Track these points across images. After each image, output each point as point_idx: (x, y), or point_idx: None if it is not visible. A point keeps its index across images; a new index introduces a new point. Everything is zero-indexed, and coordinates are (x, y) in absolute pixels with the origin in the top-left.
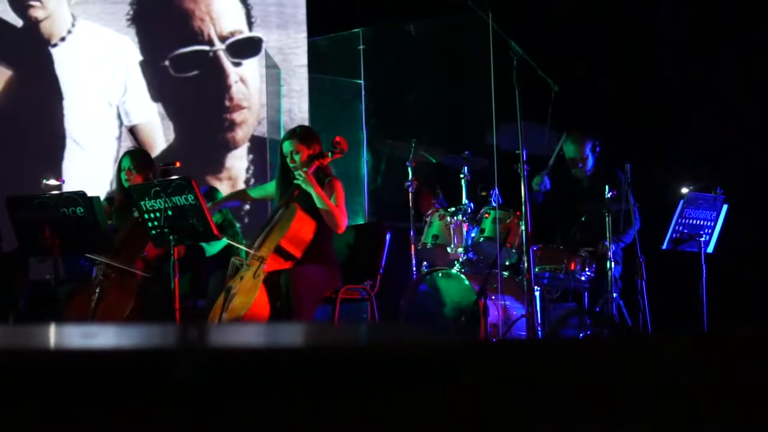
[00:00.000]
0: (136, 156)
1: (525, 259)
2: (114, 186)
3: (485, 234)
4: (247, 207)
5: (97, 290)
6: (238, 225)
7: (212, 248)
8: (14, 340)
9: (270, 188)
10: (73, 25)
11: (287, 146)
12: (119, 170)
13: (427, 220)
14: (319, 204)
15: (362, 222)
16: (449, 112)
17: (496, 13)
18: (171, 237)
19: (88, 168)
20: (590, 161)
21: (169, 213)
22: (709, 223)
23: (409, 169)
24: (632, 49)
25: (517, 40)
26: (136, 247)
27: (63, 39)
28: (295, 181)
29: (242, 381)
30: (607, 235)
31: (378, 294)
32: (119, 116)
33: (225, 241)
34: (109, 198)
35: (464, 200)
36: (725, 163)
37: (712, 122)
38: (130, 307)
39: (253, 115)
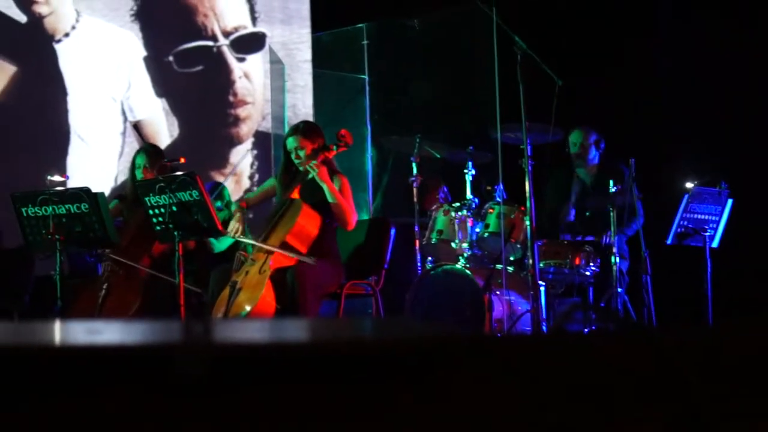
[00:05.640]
0: (150, 153)
1: (529, 254)
2: (119, 182)
3: (490, 229)
4: None
5: (104, 287)
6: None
7: (221, 245)
8: (19, 336)
9: (268, 186)
10: (77, 21)
11: (291, 142)
12: (133, 167)
13: (432, 215)
14: (330, 199)
15: (367, 217)
16: (453, 107)
17: (499, 8)
18: (175, 233)
19: (93, 164)
20: (593, 151)
21: (174, 209)
22: (713, 218)
23: (413, 164)
24: (637, 43)
25: (521, 34)
26: (144, 244)
27: (67, 35)
28: (309, 176)
29: (247, 376)
30: (612, 229)
31: (383, 289)
32: (123, 112)
33: (232, 238)
34: (120, 195)
35: (469, 195)
36: (730, 158)
37: (717, 117)
38: (137, 304)
39: (257, 110)
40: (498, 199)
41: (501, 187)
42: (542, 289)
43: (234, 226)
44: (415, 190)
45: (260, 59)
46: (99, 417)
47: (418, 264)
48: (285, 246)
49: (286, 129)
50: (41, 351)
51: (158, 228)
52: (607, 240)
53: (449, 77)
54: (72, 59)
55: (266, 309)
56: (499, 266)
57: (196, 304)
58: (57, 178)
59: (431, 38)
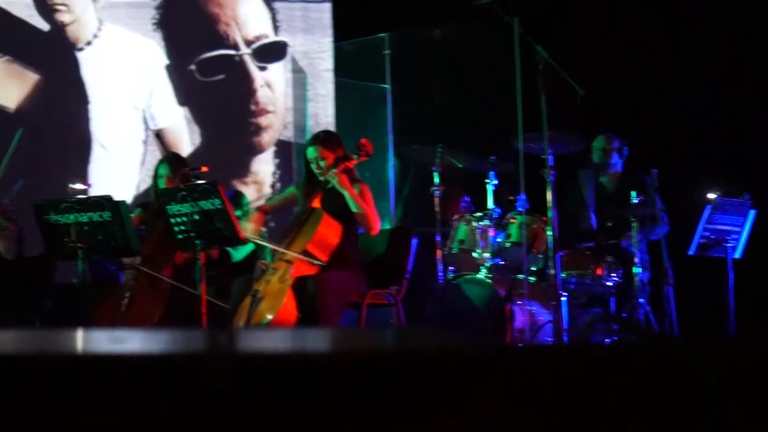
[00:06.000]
0: (172, 162)
1: (551, 264)
2: (141, 190)
3: (511, 239)
4: None
5: (127, 295)
6: (263, 229)
7: (239, 254)
8: (43, 344)
9: (288, 194)
10: (99, 29)
11: (311, 152)
12: (156, 177)
13: (454, 224)
14: (353, 207)
15: (389, 227)
16: (475, 117)
17: (521, 18)
18: (197, 242)
19: (115, 172)
20: (615, 157)
21: (196, 218)
22: (736, 229)
23: (435, 173)
24: (658, 53)
25: (543, 44)
26: (167, 252)
27: (89, 43)
28: (329, 185)
29: (269, 386)
30: (633, 238)
31: (404, 299)
32: (145, 120)
33: (251, 246)
34: (143, 204)
35: (490, 205)
36: (752, 169)
37: (740, 128)
38: (159, 313)
39: (278, 119)
40: (520, 209)
41: (523, 197)
42: (564, 299)
43: (250, 227)
44: (436, 199)
45: (282, 68)
46: (122, 426)
47: (440, 274)
48: (306, 255)
49: (308, 138)
50: (66, 359)
51: (180, 237)
52: (627, 243)
53: (471, 87)
54: (94, 67)
55: (287, 318)
56: (520, 276)
57: (218, 314)
58: (79, 186)
59: (453, 48)
